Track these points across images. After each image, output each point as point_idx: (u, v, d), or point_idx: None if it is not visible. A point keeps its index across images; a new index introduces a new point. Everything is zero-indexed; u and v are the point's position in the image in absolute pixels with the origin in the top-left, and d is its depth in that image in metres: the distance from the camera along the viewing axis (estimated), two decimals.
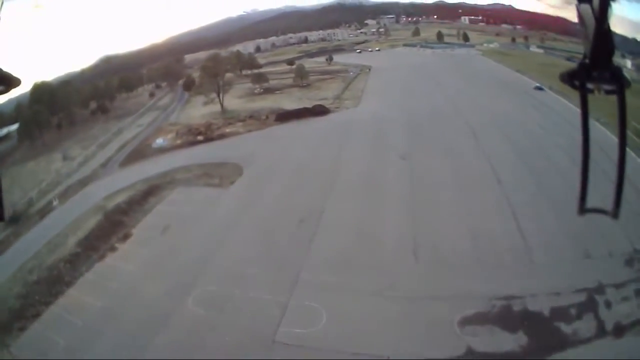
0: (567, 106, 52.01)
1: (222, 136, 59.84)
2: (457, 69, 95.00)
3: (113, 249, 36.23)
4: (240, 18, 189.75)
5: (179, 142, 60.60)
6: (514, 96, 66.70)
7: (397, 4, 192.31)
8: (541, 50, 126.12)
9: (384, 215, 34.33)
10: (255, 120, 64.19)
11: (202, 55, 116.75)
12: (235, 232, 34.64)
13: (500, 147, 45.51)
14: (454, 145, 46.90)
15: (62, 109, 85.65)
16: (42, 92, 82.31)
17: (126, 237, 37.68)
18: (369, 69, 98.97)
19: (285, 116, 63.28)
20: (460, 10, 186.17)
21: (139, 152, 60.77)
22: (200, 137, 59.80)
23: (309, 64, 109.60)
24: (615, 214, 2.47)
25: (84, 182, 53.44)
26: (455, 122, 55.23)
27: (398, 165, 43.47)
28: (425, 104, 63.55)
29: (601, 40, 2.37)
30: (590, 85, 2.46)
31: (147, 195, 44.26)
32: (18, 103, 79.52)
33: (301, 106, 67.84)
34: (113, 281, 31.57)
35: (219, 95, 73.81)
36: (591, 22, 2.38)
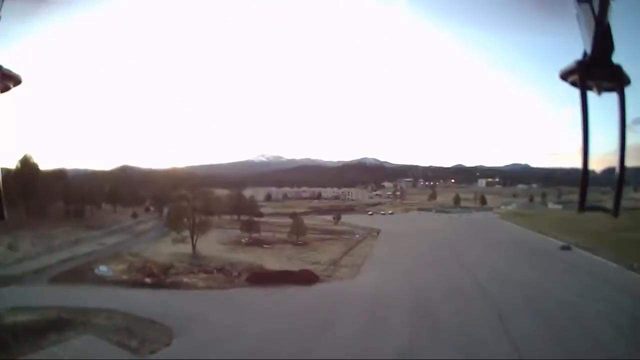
0: (600, 263, 49.12)
1: (175, 285, 51.47)
2: (476, 235, 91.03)
3: None
4: (261, 163, 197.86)
5: (125, 277, 53.27)
6: (541, 260, 61.90)
7: (416, 167, 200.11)
8: (559, 206, 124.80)
9: None
10: (224, 275, 56.13)
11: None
12: None
13: (538, 338, 35.97)
14: (476, 340, 36.29)
15: (33, 195, 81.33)
16: (21, 170, 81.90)
17: None
18: (378, 233, 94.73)
19: (260, 278, 54.65)
20: (477, 173, 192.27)
21: (78, 273, 54.69)
22: (148, 280, 51.61)
23: (315, 220, 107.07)
24: (615, 212, 2.61)
25: (5, 282, 50.06)
26: (476, 302, 45.89)
27: None
28: (440, 280, 54.66)
29: (601, 38, 2.47)
30: (589, 84, 2.53)
31: (50, 328, 37.44)
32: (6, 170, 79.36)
33: (286, 268, 59.60)
34: None
35: (192, 236, 67.49)
36: (590, 21, 2.48)
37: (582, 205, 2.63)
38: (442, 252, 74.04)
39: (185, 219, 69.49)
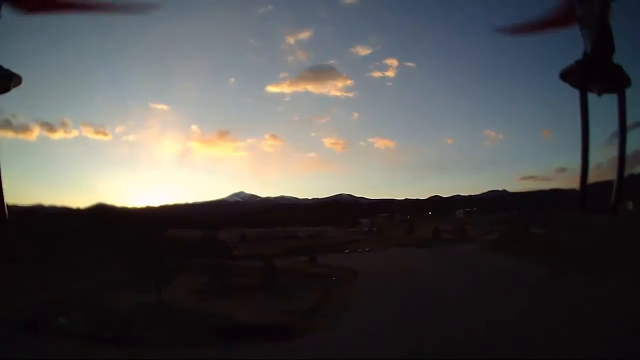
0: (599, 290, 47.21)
1: (135, 342, 47.72)
2: (460, 271, 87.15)
3: None
4: (236, 203, 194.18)
5: (81, 330, 49.80)
6: (536, 295, 58.75)
7: (392, 201, 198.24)
8: (542, 230, 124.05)
9: None
10: (191, 330, 51.73)
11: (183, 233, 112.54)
12: None
13: None
14: None
15: None
16: None
17: None
18: (357, 273, 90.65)
19: (229, 333, 50.73)
20: (455, 204, 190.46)
21: (30, 324, 49.42)
22: (107, 334, 48.15)
23: (290, 262, 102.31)
24: (613, 213, 2.62)
25: None
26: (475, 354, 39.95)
27: None
28: (426, 329, 48.54)
29: (601, 39, 2.45)
30: (590, 84, 2.53)
31: None
32: None
33: (259, 319, 55.80)
34: None
35: (157, 285, 63.83)
36: (591, 21, 2.45)
37: (584, 205, 2.63)
38: (427, 293, 69.36)
39: (150, 266, 66.18)
